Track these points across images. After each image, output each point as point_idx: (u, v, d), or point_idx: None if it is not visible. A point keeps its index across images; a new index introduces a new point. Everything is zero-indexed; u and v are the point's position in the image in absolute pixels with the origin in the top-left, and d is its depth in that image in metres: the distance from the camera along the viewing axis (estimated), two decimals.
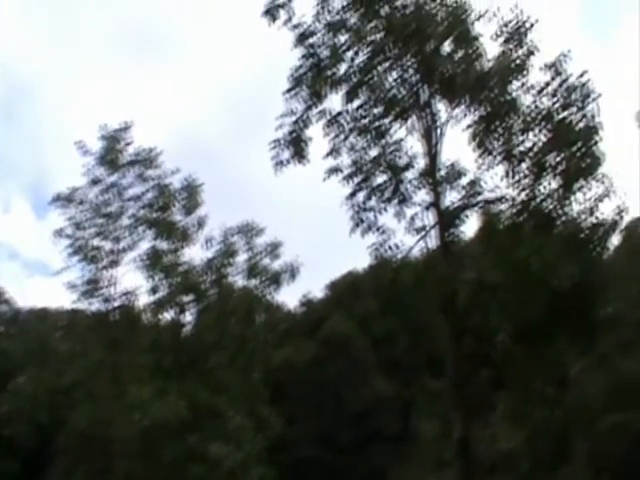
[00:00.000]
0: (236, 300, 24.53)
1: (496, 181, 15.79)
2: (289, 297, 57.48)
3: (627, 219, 16.50)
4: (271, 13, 16.88)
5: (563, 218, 15.45)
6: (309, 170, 17.75)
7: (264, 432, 26.93)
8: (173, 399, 22.94)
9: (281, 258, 24.67)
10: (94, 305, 25.13)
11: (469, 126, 15.54)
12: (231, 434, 24.37)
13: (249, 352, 24.92)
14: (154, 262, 24.45)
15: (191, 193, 24.66)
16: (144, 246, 24.83)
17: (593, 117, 14.46)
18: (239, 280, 24.84)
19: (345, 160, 16.90)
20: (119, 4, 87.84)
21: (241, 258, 24.72)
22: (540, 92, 14.81)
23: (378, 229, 16.86)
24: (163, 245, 24.67)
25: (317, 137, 17.15)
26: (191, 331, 25.60)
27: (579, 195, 15.04)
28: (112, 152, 24.83)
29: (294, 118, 16.95)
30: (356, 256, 20.63)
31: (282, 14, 16.80)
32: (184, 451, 22.83)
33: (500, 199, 15.95)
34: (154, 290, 24.39)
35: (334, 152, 16.94)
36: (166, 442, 22.80)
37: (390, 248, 16.92)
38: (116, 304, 24.99)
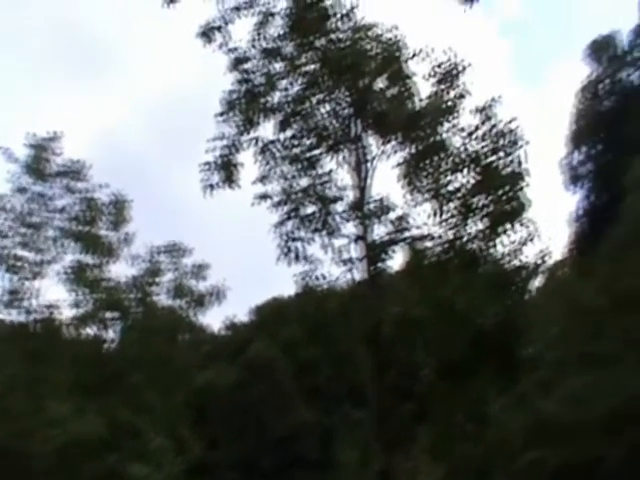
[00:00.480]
0: (160, 319, 24.14)
1: (424, 218, 15.80)
2: (214, 319, 57.03)
3: (550, 262, 16.73)
4: (207, 35, 16.64)
5: (488, 259, 15.54)
6: (239, 194, 17.60)
7: (185, 454, 26.48)
8: (93, 416, 22.35)
9: (207, 280, 24.43)
10: (14, 316, 24.38)
11: (399, 163, 15.51)
12: (151, 455, 23.88)
13: (172, 372, 24.54)
14: (78, 276, 23.78)
15: (119, 208, 24.03)
16: (69, 259, 24.12)
17: (520, 163, 14.58)
18: (164, 299, 24.46)
19: (275, 187, 16.72)
20: (49, 12, 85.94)
21: (167, 277, 24.37)
22: (470, 135, 14.88)
23: (305, 258, 16.68)
24: (88, 259, 24.00)
25: (248, 162, 16.94)
26: (114, 348, 25.04)
27: (504, 237, 15.12)
28: (39, 161, 24.10)
29: (226, 142, 16.74)
30: (283, 282, 20.49)
31: (218, 37, 16.60)
32: (103, 470, 22.25)
33: (427, 236, 15.94)
34: (77, 304, 23.77)
35: (264, 179, 16.75)
36: (85, 460, 22.17)
37: (317, 278, 16.82)
38: (37, 316, 24.27)
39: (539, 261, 15.53)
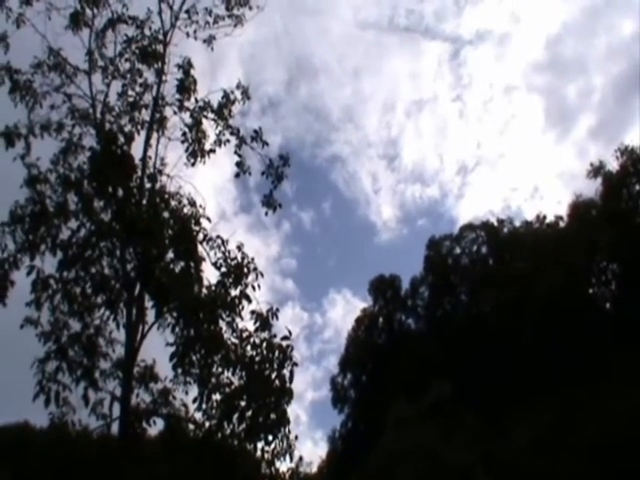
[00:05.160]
0: None
1: (189, 400, 14.80)
2: None
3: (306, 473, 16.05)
4: (9, 138, 15.41)
5: (245, 460, 14.55)
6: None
7: None
8: None
9: None
10: None
11: (173, 343, 14.35)
12: None
13: None
14: None
15: None
16: None
17: (288, 380, 13.71)
18: None
19: (45, 316, 15.21)
20: None
21: None
22: (246, 338, 13.92)
23: (63, 402, 15.26)
24: None
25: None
26: None
27: (263, 444, 14.19)
28: None
29: (4, 255, 15.23)
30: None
31: (19, 145, 15.31)
32: None
33: (189, 419, 14.91)
34: None
35: (37, 304, 15.24)
36: None
37: (73, 423, 15.51)
38: None
39: (295, 472, 14.74)
